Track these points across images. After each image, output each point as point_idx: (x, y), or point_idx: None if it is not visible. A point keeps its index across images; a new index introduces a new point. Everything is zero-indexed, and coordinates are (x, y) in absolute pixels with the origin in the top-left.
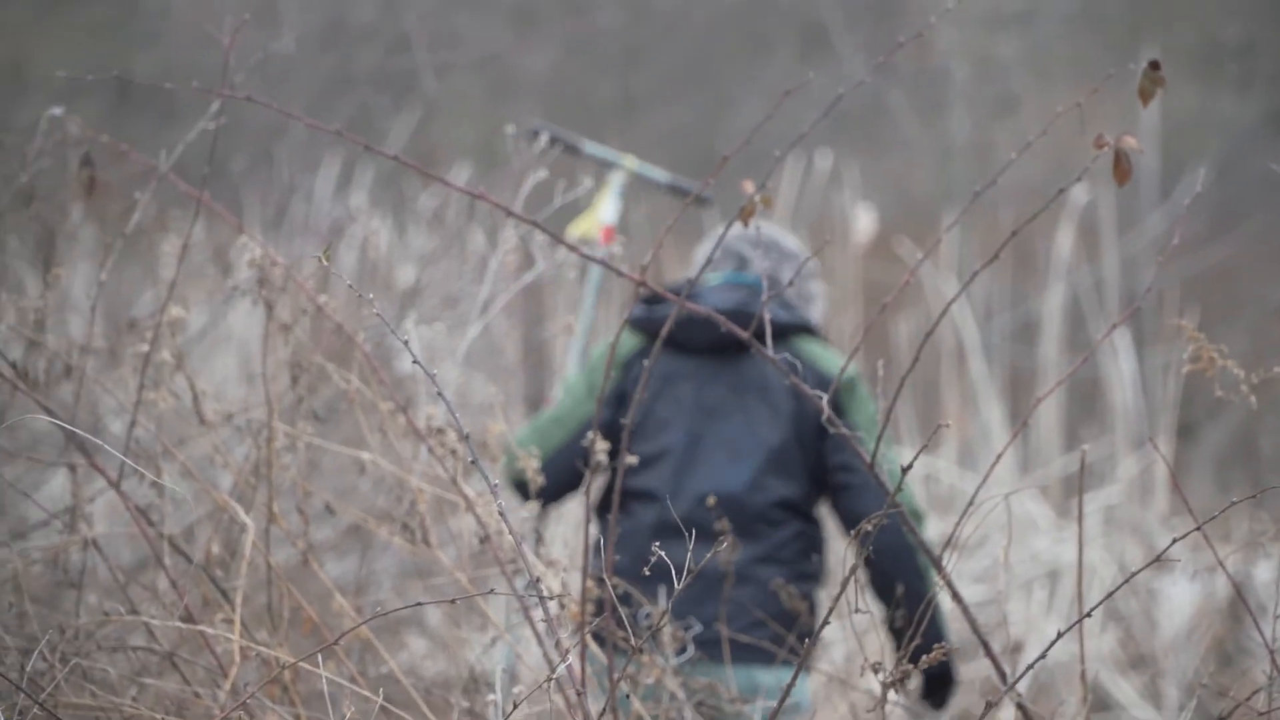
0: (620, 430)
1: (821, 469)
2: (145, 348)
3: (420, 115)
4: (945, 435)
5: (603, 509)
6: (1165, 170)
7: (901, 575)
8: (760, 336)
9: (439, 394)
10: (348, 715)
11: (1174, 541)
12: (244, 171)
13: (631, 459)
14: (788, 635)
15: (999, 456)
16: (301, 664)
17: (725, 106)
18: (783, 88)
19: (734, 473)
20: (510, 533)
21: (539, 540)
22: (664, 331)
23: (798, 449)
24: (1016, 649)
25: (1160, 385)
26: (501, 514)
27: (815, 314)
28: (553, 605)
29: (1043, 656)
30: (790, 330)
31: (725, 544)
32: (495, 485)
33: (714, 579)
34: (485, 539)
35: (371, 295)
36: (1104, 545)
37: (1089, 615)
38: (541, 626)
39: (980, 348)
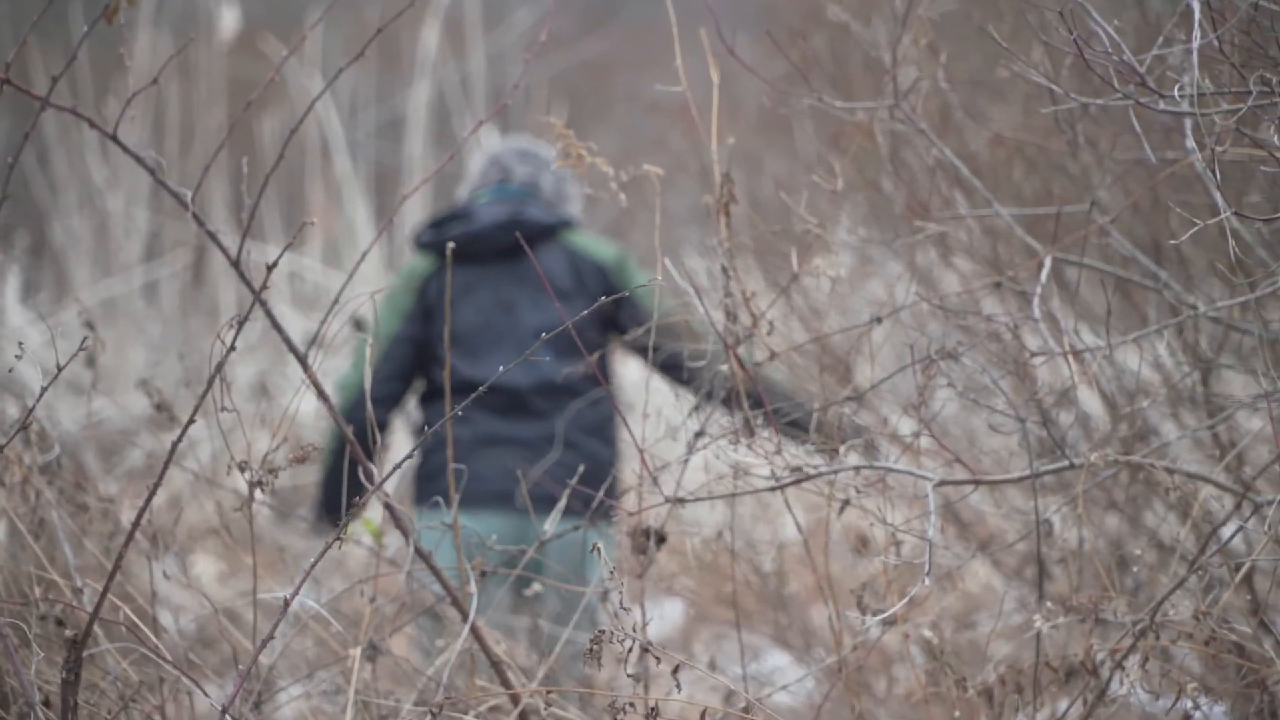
0: (432, 340)
1: (622, 331)
2: None
3: None
4: (310, 233)
5: (428, 404)
6: None
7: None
8: (533, 238)
9: None
10: None
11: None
12: None
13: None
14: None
15: (364, 254)
16: None
17: None
18: None
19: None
20: None
21: None
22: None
23: (592, 323)
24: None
25: None
26: None
27: (573, 209)
28: None
29: (399, 466)
30: (557, 228)
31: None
32: None
33: (506, 445)
34: None
35: None
36: None
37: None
38: None
39: (345, 145)
